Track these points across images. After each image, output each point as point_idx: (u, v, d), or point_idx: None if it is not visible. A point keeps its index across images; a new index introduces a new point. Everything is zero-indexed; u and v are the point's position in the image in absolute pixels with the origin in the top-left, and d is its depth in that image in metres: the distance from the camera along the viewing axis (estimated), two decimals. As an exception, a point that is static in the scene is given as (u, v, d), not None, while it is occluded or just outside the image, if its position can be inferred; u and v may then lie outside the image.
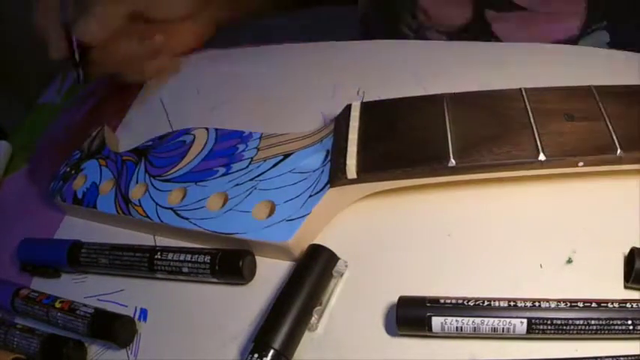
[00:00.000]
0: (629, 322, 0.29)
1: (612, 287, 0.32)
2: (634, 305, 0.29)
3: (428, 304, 0.32)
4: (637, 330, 0.29)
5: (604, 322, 0.29)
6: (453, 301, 0.31)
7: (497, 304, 0.31)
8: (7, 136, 0.57)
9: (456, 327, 0.31)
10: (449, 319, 0.31)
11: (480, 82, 0.43)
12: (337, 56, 0.50)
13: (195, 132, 0.44)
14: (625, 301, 0.30)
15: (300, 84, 0.48)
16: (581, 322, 0.30)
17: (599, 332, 0.30)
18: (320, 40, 0.53)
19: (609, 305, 0.30)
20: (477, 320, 0.31)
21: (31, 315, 0.40)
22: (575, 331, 0.30)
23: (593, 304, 0.30)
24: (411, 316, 0.32)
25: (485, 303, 0.31)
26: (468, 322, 0.31)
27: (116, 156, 0.45)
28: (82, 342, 0.38)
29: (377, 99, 0.40)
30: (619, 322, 0.29)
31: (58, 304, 0.39)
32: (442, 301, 0.32)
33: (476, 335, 0.31)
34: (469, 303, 0.31)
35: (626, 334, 0.29)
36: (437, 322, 0.31)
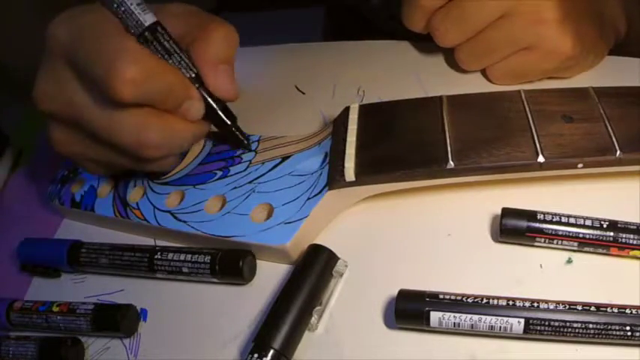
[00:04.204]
0: (628, 327, 0.29)
1: (611, 288, 0.32)
2: (633, 311, 0.30)
3: (427, 299, 0.32)
4: (635, 336, 0.29)
5: (602, 327, 0.30)
6: (452, 297, 0.32)
7: (495, 302, 0.31)
8: (8, 137, 0.57)
9: (454, 323, 0.31)
10: (447, 314, 0.31)
11: (480, 83, 0.44)
12: (337, 56, 0.50)
13: None
14: (624, 307, 0.30)
15: (300, 84, 0.48)
16: (579, 325, 0.30)
17: (596, 336, 0.30)
18: (284, 40, 0.53)
19: (608, 310, 0.30)
20: (475, 317, 0.31)
21: (30, 325, 0.40)
22: (572, 334, 0.30)
23: (592, 308, 0.30)
24: (409, 310, 0.32)
25: (484, 301, 0.31)
26: (465, 319, 0.31)
27: None
28: (78, 339, 0.38)
29: (377, 99, 0.40)
30: (617, 328, 0.29)
31: (55, 308, 0.39)
32: (441, 296, 0.32)
33: (473, 332, 0.32)
34: (468, 300, 0.31)
35: (624, 340, 0.30)
36: (435, 317, 0.32)
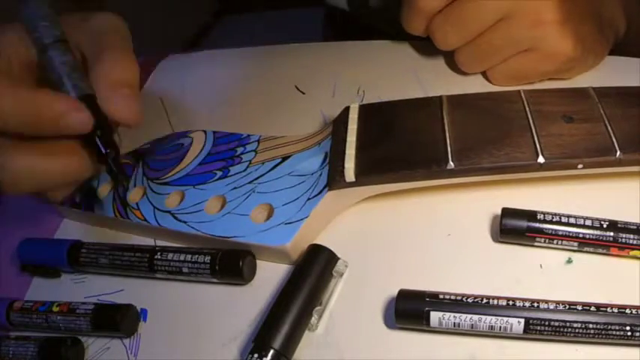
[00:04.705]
0: (628, 327, 0.29)
1: (611, 288, 0.32)
2: (633, 311, 0.30)
3: (427, 299, 0.32)
4: (635, 336, 0.29)
5: (602, 327, 0.30)
6: (452, 297, 0.32)
7: (495, 302, 0.31)
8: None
9: (454, 323, 0.31)
10: (447, 314, 0.31)
11: (480, 83, 0.44)
12: (337, 56, 0.50)
13: (192, 134, 0.44)
14: (624, 307, 0.30)
15: (300, 84, 0.48)
16: (579, 325, 0.30)
17: (596, 336, 0.30)
18: (284, 40, 0.53)
19: (608, 310, 0.30)
20: (475, 317, 0.31)
21: (30, 325, 0.40)
22: (572, 334, 0.30)
23: (592, 308, 0.30)
24: (409, 310, 0.32)
25: (484, 301, 0.31)
26: (465, 319, 0.31)
27: None
28: (78, 339, 0.38)
29: (377, 99, 0.40)
30: (617, 328, 0.29)
31: (55, 308, 0.39)
32: (441, 296, 0.32)
33: (473, 332, 0.32)
34: (468, 300, 0.31)
35: (624, 340, 0.30)
36: (435, 317, 0.32)
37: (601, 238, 0.33)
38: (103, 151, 0.34)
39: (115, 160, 0.34)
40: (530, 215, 0.33)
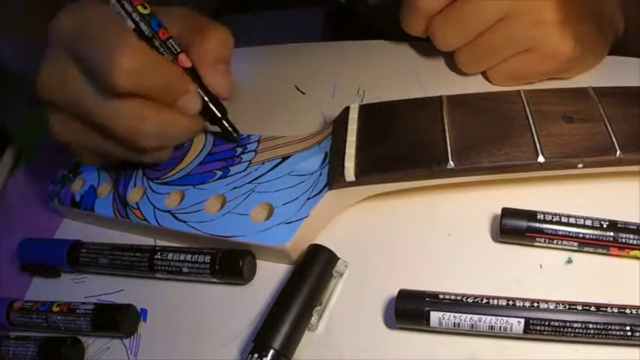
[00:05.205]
0: (628, 327, 0.29)
1: (611, 288, 0.32)
2: (633, 311, 0.30)
3: (427, 299, 0.32)
4: (635, 336, 0.29)
5: (602, 327, 0.30)
6: (452, 297, 0.32)
7: (495, 302, 0.31)
8: (10, 137, 0.57)
9: (454, 323, 0.31)
10: (447, 314, 0.31)
11: (480, 83, 0.44)
12: (337, 56, 0.50)
13: None
14: (624, 307, 0.30)
15: (300, 84, 0.48)
16: (579, 325, 0.30)
17: (596, 336, 0.30)
18: (283, 40, 0.53)
19: (608, 310, 0.30)
20: (475, 317, 0.31)
21: (30, 325, 0.40)
22: (572, 334, 0.30)
23: (592, 308, 0.30)
24: (409, 310, 0.32)
25: (484, 301, 0.31)
26: (465, 319, 0.31)
27: None
28: (78, 339, 0.38)
29: (377, 99, 0.40)
30: (617, 328, 0.29)
31: (55, 308, 0.39)
32: (441, 296, 0.32)
33: (473, 332, 0.32)
34: (468, 300, 0.31)
35: (624, 340, 0.30)
36: (435, 317, 0.32)
37: (601, 238, 0.33)
38: (219, 115, 0.40)
39: (228, 120, 0.41)
40: (530, 215, 0.33)
